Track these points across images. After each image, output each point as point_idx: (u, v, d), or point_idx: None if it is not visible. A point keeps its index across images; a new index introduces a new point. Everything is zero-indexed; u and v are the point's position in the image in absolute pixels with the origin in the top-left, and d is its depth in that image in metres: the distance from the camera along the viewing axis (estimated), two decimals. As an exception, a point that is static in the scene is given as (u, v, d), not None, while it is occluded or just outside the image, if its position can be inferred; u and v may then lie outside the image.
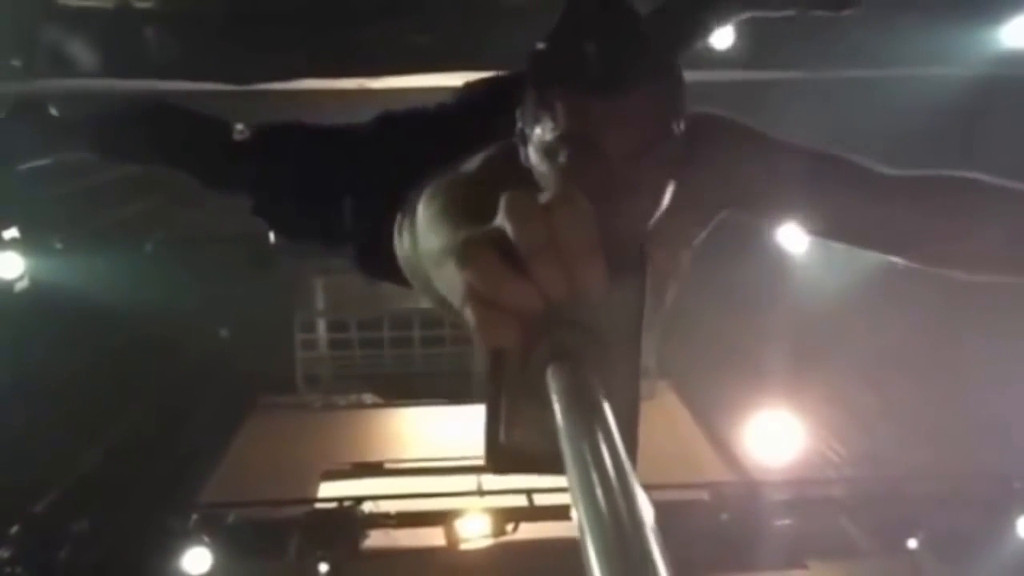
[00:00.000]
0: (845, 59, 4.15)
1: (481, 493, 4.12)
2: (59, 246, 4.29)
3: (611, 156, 0.89)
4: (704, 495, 4.13)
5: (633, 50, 0.89)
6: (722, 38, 4.29)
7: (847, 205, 1.06)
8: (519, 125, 0.97)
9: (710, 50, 4.26)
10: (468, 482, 4.20)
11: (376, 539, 4.03)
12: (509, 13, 3.49)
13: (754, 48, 4.23)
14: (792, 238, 4.54)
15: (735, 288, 4.85)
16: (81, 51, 3.66)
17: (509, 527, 3.98)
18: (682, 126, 0.93)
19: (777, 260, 4.72)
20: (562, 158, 0.90)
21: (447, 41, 3.58)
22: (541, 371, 0.44)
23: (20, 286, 4.12)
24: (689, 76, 0.94)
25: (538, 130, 0.92)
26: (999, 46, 4.08)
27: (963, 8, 4.01)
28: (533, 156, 0.94)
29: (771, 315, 4.88)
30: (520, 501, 3.99)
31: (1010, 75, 4.02)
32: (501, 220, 0.44)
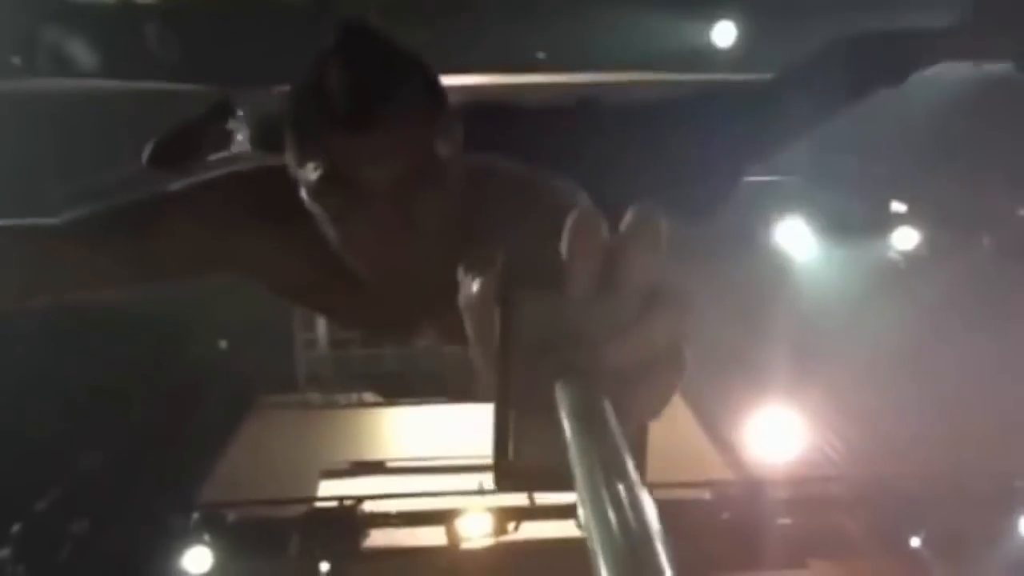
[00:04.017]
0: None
1: (482, 492, 4.11)
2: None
3: (373, 192, 0.85)
4: (706, 494, 4.13)
5: (381, 80, 0.85)
6: (722, 38, 4.30)
7: None
8: (289, 167, 0.92)
9: (710, 50, 4.27)
10: (469, 481, 4.19)
11: (376, 538, 4.03)
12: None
13: (754, 48, 4.23)
14: (792, 239, 4.53)
15: (736, 288, 4.85)
16: (82, 49, 3.66)
17: (510, 526, 3.98)
18: (449, 150, 0.88)
19: (777, 261, 4.72)
20: (329, 198, 0.87)
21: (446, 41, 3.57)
22: (549, 386, 0.44)
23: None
24: (690, 76, 0.92)
25: (301, 171, 0.88)
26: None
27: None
28: (304, 196, 0.90)
29: (772, 315, 4.88)
30: (521, 500, 3.98)
31: (1013, 74, 4.02)
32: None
